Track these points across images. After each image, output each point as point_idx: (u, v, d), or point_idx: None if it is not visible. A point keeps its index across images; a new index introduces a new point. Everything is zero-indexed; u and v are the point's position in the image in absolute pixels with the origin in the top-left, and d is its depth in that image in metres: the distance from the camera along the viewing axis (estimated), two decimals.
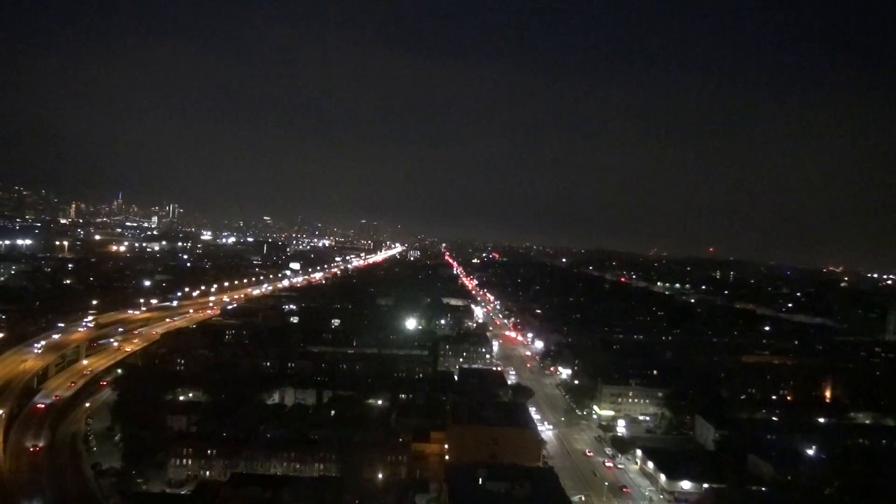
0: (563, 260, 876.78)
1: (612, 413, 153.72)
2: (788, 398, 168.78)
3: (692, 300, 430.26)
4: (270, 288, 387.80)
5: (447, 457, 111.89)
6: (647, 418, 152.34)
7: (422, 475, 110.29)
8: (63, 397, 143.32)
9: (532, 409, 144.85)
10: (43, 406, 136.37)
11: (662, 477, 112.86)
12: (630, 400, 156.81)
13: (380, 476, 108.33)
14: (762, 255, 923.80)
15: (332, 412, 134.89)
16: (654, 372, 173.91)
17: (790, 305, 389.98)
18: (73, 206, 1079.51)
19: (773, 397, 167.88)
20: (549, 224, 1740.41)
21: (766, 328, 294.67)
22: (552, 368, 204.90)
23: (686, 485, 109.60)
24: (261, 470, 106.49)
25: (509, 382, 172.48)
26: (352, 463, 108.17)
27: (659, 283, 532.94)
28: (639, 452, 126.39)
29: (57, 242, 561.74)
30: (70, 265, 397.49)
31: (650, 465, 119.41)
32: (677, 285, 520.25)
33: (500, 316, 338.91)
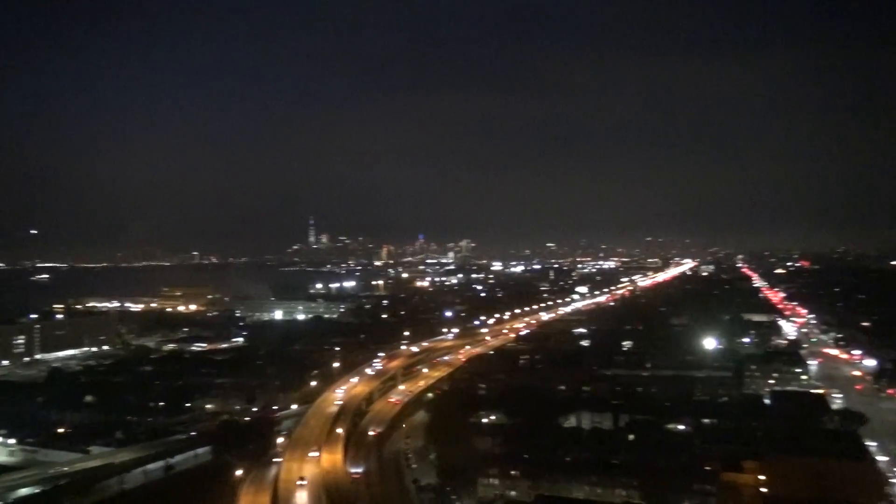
0: (894, 262, 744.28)
1: None
2: None
3: None
4: (560, 312, 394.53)
5: (764, 489, 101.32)
6: None
7: None
8: (386, 418, 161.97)
9: (867, 440, 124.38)
10: (372, 425, 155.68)
11: None
12: None
13: None
14: None
15: (631, 436, 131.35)
16: None
17: None
18: (384, 249, 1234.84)
19: None
20: (866, 221, 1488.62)
21: None
22: (891, 391, 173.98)
23: None
24: (563, 493, 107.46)
25: (834, 407, 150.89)
26: (655, 491, 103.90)
27: None
28: None
29: (373, 282, 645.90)
30: (384, 301, 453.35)
31: None
32: None
33: (816, 331, 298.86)
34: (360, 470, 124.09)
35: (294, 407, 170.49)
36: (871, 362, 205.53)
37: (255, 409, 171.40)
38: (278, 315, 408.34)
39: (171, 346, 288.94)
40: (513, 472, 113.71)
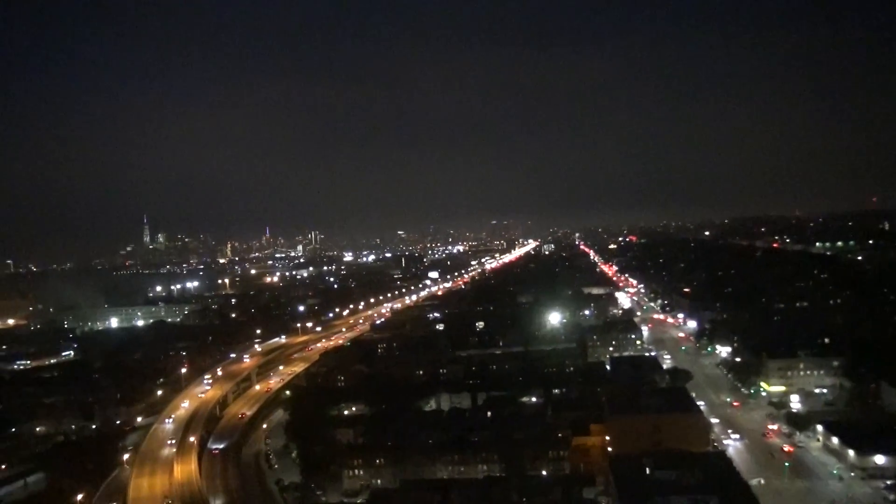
0: (707, 233, 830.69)
1: (782, 388, 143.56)
2: None
3: (859, 258, 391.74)
4: (414, 299, 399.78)
5: (609, 448, 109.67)
6: (824, 391, 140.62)
7: (585, 469, 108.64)
8: (243, 421, 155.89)
9: (693, 393, 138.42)
10: (228, 430, 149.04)
11: (851, 453, 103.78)
12: (801, 373, 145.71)
13: (543, 473, 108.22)
14: None
15: (489, 413, 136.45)
16: (826, 340, 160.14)
17: None
18: (229, 245, 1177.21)
19: None
20: (684, 198, 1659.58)
21: None
22: (709, 348, 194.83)
23: (880, 459, 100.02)
24: (427, 475, 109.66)
25: (665, 367, 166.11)
26: (514, 462, 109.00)
27: (818, 244, 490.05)
28: (819, 428, 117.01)
29: (219, 281, 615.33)
30: (233, 300, 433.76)
31: (834, 440, 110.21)
32: (839, 244, 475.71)
33: (646, 299, 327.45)
34: (217, 478, 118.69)
35: (140, 420, 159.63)
36: (692, 324, 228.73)
37: (94, 427, 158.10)
38: (114, 323, 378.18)
39: None
40: (377, 461, 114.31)
